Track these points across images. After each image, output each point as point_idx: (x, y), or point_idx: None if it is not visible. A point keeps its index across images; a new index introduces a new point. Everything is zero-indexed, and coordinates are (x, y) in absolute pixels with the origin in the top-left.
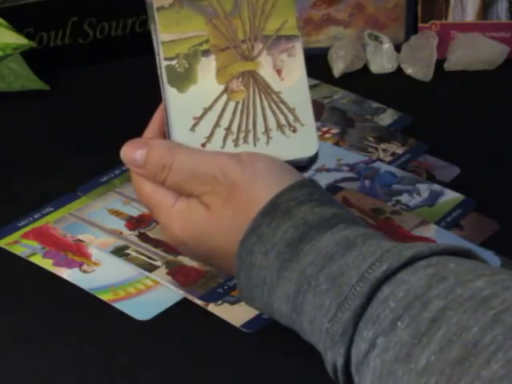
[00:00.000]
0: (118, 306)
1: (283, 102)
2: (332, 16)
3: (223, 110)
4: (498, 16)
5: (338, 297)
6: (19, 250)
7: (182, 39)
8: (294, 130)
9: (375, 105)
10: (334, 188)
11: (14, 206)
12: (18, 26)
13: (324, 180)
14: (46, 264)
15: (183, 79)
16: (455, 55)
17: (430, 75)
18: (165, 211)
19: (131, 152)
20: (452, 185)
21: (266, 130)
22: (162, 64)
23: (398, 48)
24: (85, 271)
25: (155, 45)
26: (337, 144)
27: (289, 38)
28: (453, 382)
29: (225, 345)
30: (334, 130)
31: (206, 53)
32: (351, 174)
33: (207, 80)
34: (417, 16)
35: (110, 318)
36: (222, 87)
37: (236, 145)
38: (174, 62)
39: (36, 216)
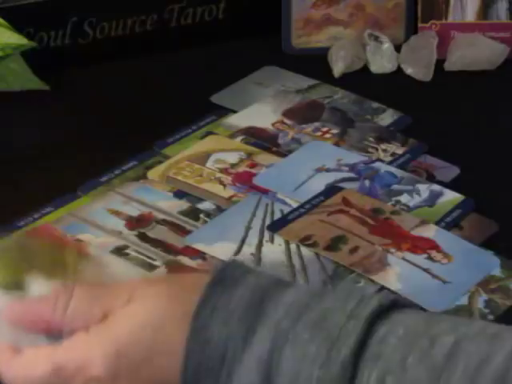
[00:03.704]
0: None
1: None
2: (332, 16)
3: None
4: (498, 16)
5: (327, 340)
6: None
7: None
8: None
9: (375, 105)
10: (333, 188)
11: (13, 206)
12: (18, 26)
13: (324, 180)
14: None
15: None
16: (455, 55)
17: (430, 75)
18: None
19: None
20: (452, 185)
21: None
22: None
23: (398, 48)
24: None
25: None
26: (337, 144)
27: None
28: None
29: None
30: (334, 130)
31: None
32: (351, 174)
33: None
34: (417, 16)
35: None
36: None
37: None
38: None
39: (36, 216)
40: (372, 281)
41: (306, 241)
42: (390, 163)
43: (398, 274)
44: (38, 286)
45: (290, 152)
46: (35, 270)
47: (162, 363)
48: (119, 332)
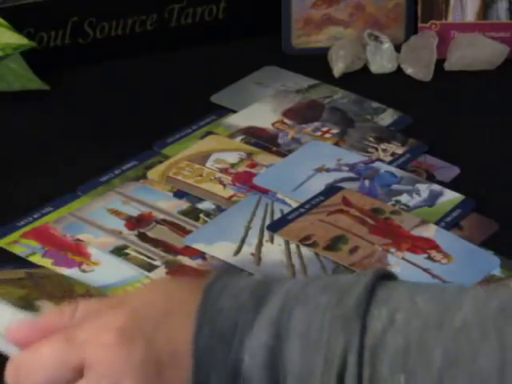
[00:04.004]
0: None
1: None
2: (332, 16)
3: None
4: (498, 16)
5: (337, 292)
6: (19, 250)
7: None
8: None
9: (375, 105)
10: (333, 188)
11: (13, 206)
12: (17, 26)
13: (324, 180)
14: (46, 263)
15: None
16: (455, 55)
17: (430, 75)
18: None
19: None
20: (452, 185)
21: None
22: None
23: (398, 48)
24: (84, 271)
25: None
26: (337, 144)
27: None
28: (498, 328)
29: None
30: (334, 130)
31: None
32: (351, 174)
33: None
34: (417, 16)
35: None
36: None
37: None
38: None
39: (36, 216)
40: None
41: (305, 241)
42: (389, 163)
43: (398, 273)
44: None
45: (290, 152)
46: (46, 297)
47: (177, 324)
48: (131, 302)
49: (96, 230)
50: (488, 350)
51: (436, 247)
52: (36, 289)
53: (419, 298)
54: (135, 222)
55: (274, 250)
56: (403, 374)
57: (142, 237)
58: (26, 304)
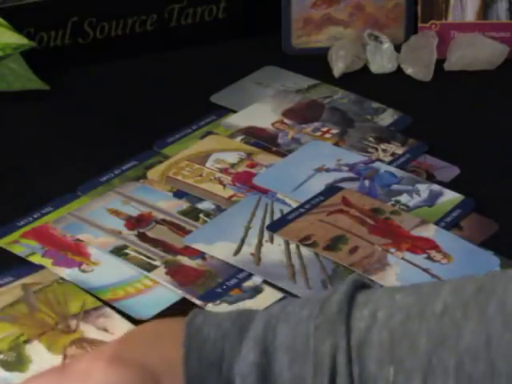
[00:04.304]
0: (117, 305)
1: None
2: (332, 16)
3: None
4: (498, 16)
5: (317, 302)
6: (19, 250)
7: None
8: None
9: (375, 105)
10: (333, 188)
11: (13, 206)
12: (17, 26)
13: (324, 180)
14: (46, 263)
15: (18, 364)
16: (455, 55)
17: (430, 75)
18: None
19: None
20: (452, 185)
21: None
22: None
23: (397, 48)
24: (84, 271)
25: None
26: (337, 144)
27: (95, 308)
28: (478, 305)
29: None
30: (334, 130)
31: (28, 341)
32: (351, 174)
33: (43, 357)
34: (417, 16)
35: None
36: (60, 357)
37: None
38: (1, 357)
39: (35, 216)
40: (372, 281)
41: (305, 241)
42: (389, 163)
43: (398, 273)
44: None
45: (290, 152)
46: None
47: (169, 346)
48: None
49: (96, 230)
50: (472, 328)
51: (436, 247)
52: (29, 319)
53: (398, 295)
54: (135, 222)
55: (274, 250)
56: (392, 366)
57: (142, 237)
58: (16, 358)
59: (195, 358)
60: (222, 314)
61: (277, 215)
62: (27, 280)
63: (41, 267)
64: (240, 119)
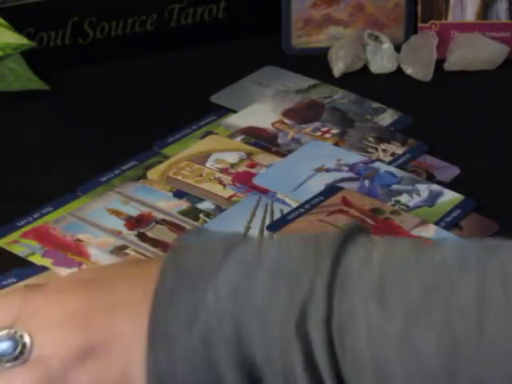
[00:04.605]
0: None
1: None
2: (332, 16)
3: None
4: (498, 16)
5: (314, 238)
6: (19, 250)
7: None
8: None
9: (375, 105)
10: (333, 188)
11: (13, 206)
12: (17, 26)
13: (324, 180)
14: (46, 263)
15: None
16: (455, 55)
17: (430, 75)
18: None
19: None
20: (452, 185)
21: None
22: None
23: (397, 48)
24: None
25: None
26: (337, 144)
27: None
28: (479, 261)
29: None
30: (334, 130)
31: None
32: (351, 174)
33: None
34: (417, 16)
35: None
36: None
37: None
38: None
39: (35, 216)
40: None
41: None
42: (389, 163)
43: None
44: None
45: (290, 152)
46: None
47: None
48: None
49: (96, 230)
50: (467, 282)
51: None
52: None
53: (399, 242)
54: (135, 222)
55: None
56: (376, 303)
57: (142, 237)
58: None
59: (173, 269)
60: (206, 244)
61: (277, 215)
62: (31, 281)
63: (43, 268)
64: (240, 119)
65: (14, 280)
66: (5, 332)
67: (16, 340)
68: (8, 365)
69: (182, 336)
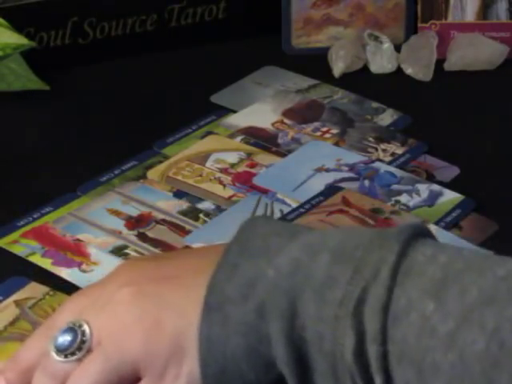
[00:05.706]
0: None
1: None
2: (332, 16)
3: None
4: (498, 16)
5: (377, 232)
6: (18, 250)
7: None
8: None
9: (375, 105)
10: (333, 188)
11: (13, 206)
12: (18, 26)
13: (324, 180)
14: (45, 263)
15: None
16: (455, 55)
17: (430, 75)
18: None
19: None
20: (452, 185)
21: None
22: None
23: (397, 48)
24: (84, 271)
25: None
26: (337, 144)
27: None
28: None
29: None
30: (334, 130)
31: None
32: (351, 174)
33: None
34: (417, 16)
35: None
36: None
37: None
38: None
39: (35, 215)
40: None
41: None
42: (389, 163)
43: None
44: None
45: (290, 152)
46: None
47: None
48: None
49: (96, 230)
50: None
51: None
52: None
53: (466, 251)
54: (135, 222)
55: None
56: (433, 302)
57: (142, 237)
58: None
59: (237, 249)
60: (278, 226)
61: (277, 215)
62: (17, 296)
63: (26, 281)
64: (240, 119)
65: (0, 298)
66: (65, 326)
67: (75, 330)
68: (75, 357)
69: (236, 305)
